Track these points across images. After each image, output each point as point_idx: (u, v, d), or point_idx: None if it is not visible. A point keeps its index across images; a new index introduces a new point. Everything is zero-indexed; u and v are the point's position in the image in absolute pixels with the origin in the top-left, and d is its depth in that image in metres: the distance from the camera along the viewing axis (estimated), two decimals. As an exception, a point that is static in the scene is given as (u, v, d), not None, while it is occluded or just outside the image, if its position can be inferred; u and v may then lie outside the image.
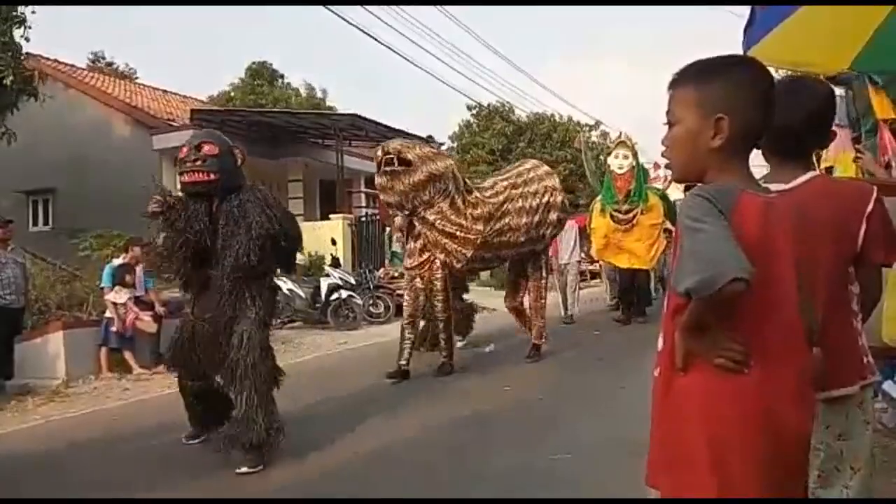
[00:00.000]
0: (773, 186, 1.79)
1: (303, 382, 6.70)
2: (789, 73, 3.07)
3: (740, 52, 3.14)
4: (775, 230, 1.40)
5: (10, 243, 7.26)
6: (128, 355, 7.43)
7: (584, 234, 11.03)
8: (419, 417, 5.01)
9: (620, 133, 10.50)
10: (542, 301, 7.37)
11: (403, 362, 6.36)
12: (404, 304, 6.66)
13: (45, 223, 17.82)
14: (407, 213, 6.37)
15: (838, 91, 4.10)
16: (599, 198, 9.98)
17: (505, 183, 7.03)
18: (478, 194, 6.64)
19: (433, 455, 4.11)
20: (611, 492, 3.25)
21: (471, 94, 32.07)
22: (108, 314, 7.36)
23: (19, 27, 9.28)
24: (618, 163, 9.66)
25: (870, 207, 1.82)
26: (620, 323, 9.89)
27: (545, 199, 7.10)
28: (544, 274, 7.58)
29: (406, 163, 6.05)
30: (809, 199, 1.77)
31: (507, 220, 6.74)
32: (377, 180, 6.46)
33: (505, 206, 6.76)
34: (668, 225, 9.52)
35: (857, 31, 3.05)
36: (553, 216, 7.24)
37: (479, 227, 6.40)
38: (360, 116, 15.76)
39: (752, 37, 3.14)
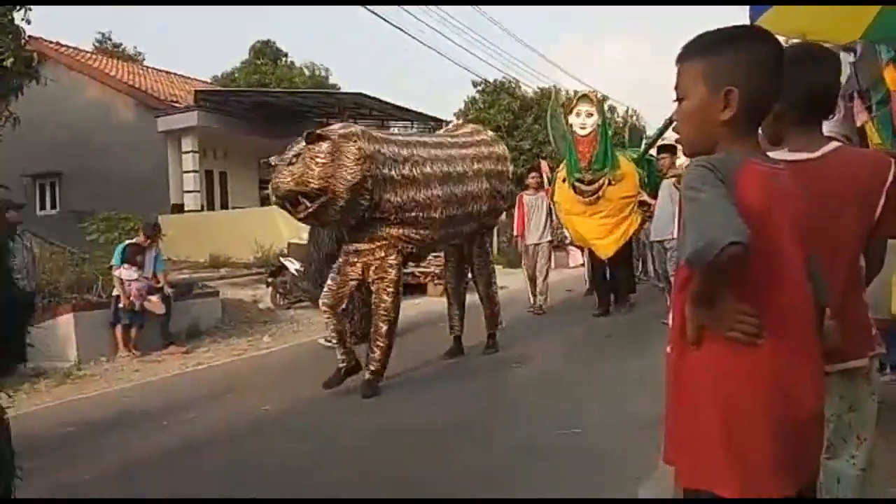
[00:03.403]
0: (796, 156, 1.76)
1: (309, 363, 6.76)
2: (792, 41, 3.01)
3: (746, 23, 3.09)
4: (780, 199, 1.37)
5: (18, 227, 7.27)
6: (133, 332, 7.48)
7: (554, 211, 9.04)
8: (430, 394, 5.05)
9: (559, 89, 8.48)
10: (494, 286, 6.41)
11: (341, 358, 5.14)
12: (325, 289, 5.17)
13: (53, 207, 17.90)
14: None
15: (850, 58, 4.02)
16: (564, 164, 8.30)
17: (450, 140, 5.95)
18: (417, 151, 5.43)
19: (443, 431, 4.14)
20: (620, 467, 3.28)
21: (476, 70, 31.83)
22: (115, 292, 7.42)
23: (20, 10, 9.23)
24: (580, 122, 7.81)
25: (890, 179, 1.79)
26: (596, 316, 8.29)
27: (499, 167, 6.11)
28: (490, 258, 6.60)
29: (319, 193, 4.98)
30: (835, 172, 1.75)
31: (468, 188, 5.69)
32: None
33: (460, 167, 5.67)
34: (645, 197, 8.11)
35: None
36: (507, 187, 6.28)
37: (438, 191, 5.40)
38: (364, 95, 15.66)
39: (758, 8, 3.09)
